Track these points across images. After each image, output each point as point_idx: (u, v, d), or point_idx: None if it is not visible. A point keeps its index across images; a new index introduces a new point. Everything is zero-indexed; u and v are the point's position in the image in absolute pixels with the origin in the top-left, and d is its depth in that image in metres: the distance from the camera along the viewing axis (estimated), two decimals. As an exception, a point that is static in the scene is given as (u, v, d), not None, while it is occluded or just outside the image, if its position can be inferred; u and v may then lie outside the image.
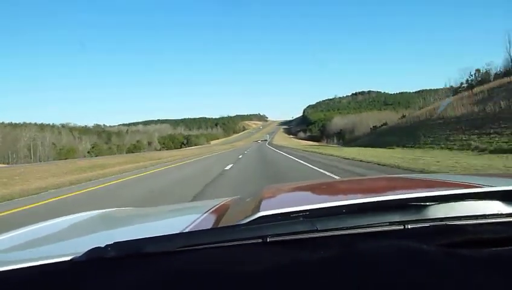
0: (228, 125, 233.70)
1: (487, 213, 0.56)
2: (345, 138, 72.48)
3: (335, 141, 77.12)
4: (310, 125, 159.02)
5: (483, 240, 0.48)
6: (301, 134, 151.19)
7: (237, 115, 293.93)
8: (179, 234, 0.60)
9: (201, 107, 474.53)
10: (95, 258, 0.49)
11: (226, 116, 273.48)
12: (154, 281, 0.43)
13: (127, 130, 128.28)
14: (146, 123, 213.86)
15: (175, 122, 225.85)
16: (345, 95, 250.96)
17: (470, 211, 0.57)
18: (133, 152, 76.69)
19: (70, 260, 0.51)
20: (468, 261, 0.41)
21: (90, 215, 1.12)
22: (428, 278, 0.38)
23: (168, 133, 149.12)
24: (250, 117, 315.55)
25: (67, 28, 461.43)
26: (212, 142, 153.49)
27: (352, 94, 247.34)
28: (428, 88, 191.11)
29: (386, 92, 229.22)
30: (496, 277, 0.38)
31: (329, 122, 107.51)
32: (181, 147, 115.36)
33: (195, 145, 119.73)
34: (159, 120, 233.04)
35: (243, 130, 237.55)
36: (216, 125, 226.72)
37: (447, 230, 0.51)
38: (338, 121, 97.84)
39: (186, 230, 0.71)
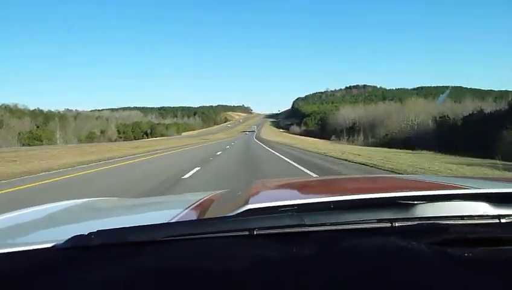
0: (208, 115, 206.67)
1: (473, 214, 0.57)
2: (375, 135, 49.41)
3: (361, 139, 53.78)
4: (305, 118, 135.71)
5: (469, 239, 0.48)
6: (295, 128, 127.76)
7: (219, 105, 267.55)
8: (165, 223, 0.58)
9: (184, 98, 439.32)
10: (77, 246, 0.48)
11: (207, 105, 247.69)
12: (137, 270, 0.42)
13: (77, 114, 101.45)
14: (114, 110, 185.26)
15: (150, 110, 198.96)
16: (338, 88, 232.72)
17: (456, 211, 0.58)
18: (29, 145, 48.17)
19: (52, 247, 0.49)
20: (454, 260, 0.42)
21: (75, 204, 1.09)
22: (414, 275, 0.38)
23: (135, 120, 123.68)
24: (233, 108, 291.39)
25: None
26: (186, 133, 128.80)
27: (346, 88, 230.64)
28: (427, 85, 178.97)
29: (383, 87, 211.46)
30: (481, 276, 0.39)
31: (333, 114, 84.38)
32: (143, 138, 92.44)
33: (161, 136, 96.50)
34: (135, 107, 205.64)
35: (225, 122, 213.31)
36: (194, 114, 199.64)
37: (434, 229, 0.51)
38: (348, 113, 74.56)
39: (173, 221, 0.69)
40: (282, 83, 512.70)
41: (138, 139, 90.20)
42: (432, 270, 0.38)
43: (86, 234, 0.49)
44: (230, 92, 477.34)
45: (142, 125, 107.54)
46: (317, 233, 0.51)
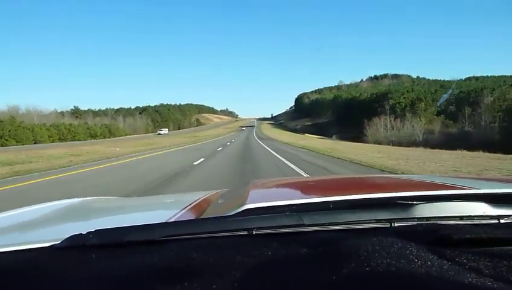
0: (166, 115, 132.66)
1: (473, 214, 0.57)
2: None
3: None
4: (388, 101, 61.31)
5: (468, 240, 0.47)
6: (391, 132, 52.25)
7: (189, 104, 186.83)
8: (163, 223, 0.58)
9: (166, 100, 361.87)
10: (76, 245, 0.48)
11: (172, 103, 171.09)
12: (136, 270, 0.42)
13: None
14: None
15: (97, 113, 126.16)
16: (358, 80, 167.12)
17: (456, 211, 0.57)
18: None
19: (50, 246, 0.49)
20: (453, 261, 0.41)
21: (72, 203, 1.08)
22: (413, 275, 0.37)
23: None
24: (213, 110, 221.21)
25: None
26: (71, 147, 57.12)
27: (370, 78, 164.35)
28: (482, 75, 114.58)
29: (421, 76, 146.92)
30: (481, 276, 0.38)
31: None
32: None
33: None
34: (103, 109, 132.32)
35: (197, 125, 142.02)
36: (140, 113, 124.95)
37: (433, 229, 0.50)
38: None
39: (171, 220, 0.69)
40: (270, 86, 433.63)
41: None
42: (430, 271, 0.38)
43: (84, 233, 0.49)
44: (212, 100, 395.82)
45: None
46: (316, 233, 0.51)
